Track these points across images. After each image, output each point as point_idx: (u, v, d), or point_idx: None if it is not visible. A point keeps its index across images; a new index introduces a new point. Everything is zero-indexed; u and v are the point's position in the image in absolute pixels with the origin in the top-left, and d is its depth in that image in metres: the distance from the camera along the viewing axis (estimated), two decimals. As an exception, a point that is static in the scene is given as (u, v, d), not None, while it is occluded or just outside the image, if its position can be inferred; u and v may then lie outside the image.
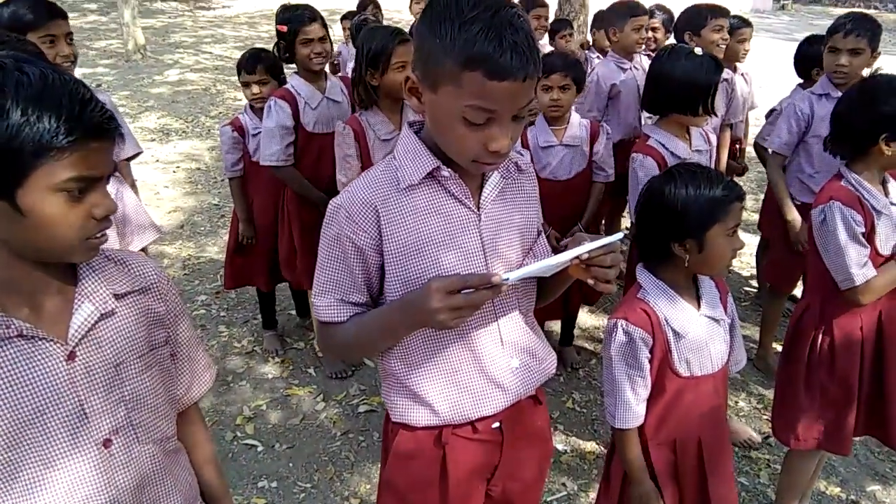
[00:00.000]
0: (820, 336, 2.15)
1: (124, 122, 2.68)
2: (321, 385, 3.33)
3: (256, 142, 3.16)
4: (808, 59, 3.58)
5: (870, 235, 2.02)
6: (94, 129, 0.96)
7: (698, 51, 2.52)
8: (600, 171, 3.15)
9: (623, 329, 1.70)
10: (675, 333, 1.70)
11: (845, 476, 2.79)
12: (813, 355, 2.17)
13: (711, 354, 1.74)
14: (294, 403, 3.20)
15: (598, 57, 4.58)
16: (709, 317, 1.75)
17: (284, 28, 2.95)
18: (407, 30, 2.93)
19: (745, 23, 4.07)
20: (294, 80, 3.06)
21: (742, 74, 4.18)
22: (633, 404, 1.72)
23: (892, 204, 2.05)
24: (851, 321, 2.11)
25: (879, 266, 2.02)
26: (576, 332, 3.63)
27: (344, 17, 5.66)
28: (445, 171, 1.28)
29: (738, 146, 4.14)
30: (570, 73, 2.93)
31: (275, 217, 3.30)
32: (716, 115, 2.66)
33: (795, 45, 3.84)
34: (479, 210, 1.33)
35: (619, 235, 1.24)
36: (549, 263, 1.19)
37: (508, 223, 1.38)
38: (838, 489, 2.72)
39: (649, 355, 1.70)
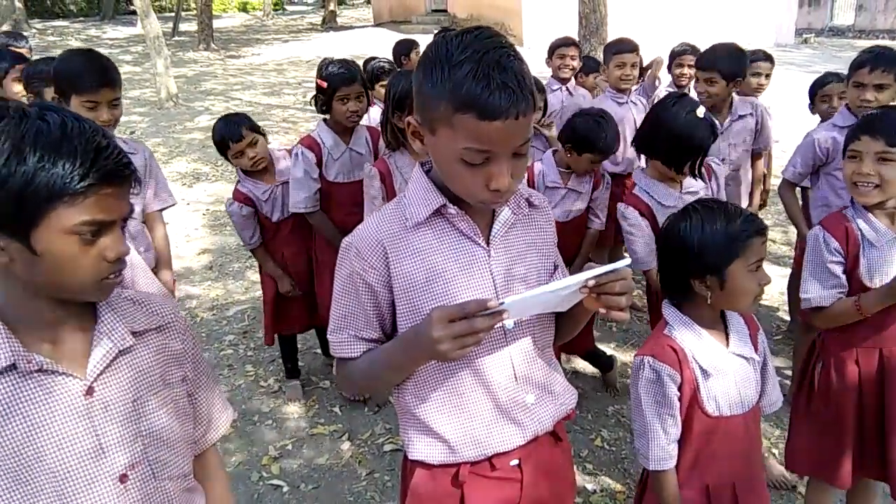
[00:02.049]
0: (818, 367, 2.15)
1: (161, 174, 2.74)
2: (346, 424, 3.32)
3: (270, 203, 3.22)
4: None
5: (853, 267, 2.00)
6: (109, 175, 1.00)
7: (701, 112, 2.44)
8: (595, 218, 3.23)
9: (650, 366, 1.67)
10: (703, 371, 1.67)
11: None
12: (813, 385, 2.17)
13: (741, 393, 1.70)
14: (319, 443, 3.19)
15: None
16: (738, 354, 1.71)
17: (325, 84, 3.02)
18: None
19: (766, 57, 4.07)
20: (321, 130, 3.14)
21: (765, 109, 4.18)
22: (666, 444, 1.68)
23: None
24: (847, 354, 2.09)
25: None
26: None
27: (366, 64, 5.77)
28: (452, 209, 1.29)
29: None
30: None
31: (307, 264, 3.36)
32: (700, 179, 2.61)
33: (816, 77, 3.84)
34: (489, 245, 1.33)
35: (627, 261, 1.23)
36: (550, 289, 1.18)
37: (521, 258, 1.37)
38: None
39: (678, 392, 1.67)
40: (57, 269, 1.00)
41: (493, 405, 1.36)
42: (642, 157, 2.82)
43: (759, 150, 3.74)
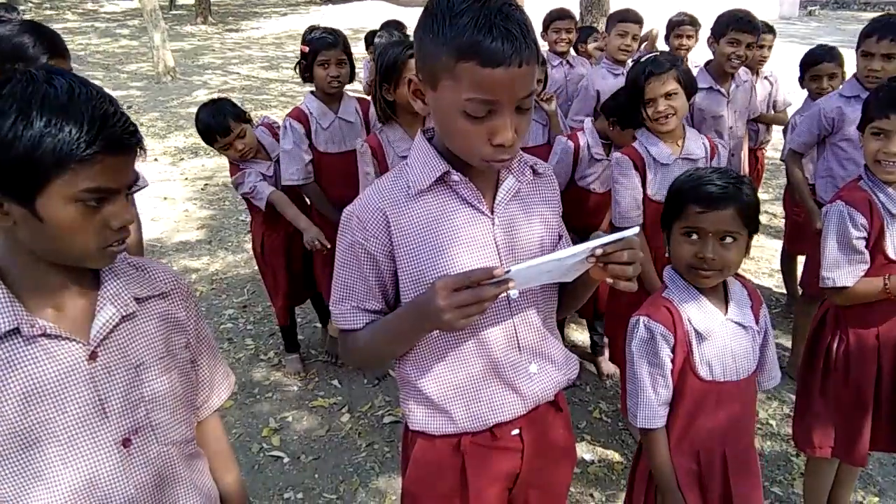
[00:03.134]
0: (836, 343, 2.12)
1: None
2: (346, 396, 3.33)
3: (274, 179, 3.18)
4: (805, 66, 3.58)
5: (878, 240, 1.98)
6: (115, 143, 0.99)
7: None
8: None
9: (644, 325, 1.67)
10: (698, 334, 1.66)
11: (883, 486, 2.70)
12: (829, 362, 2.14)
13: (736, 360, 1.69)
14: (319, 415, 3.21)
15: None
16: (736, 322, 1.70)
17: (306, 49, 3.00)
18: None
19: (768, 29, 4.02)
20: (308, 100, 3.11)
21: (766, 77, 4.15)
22: (655, 404, 1.68)
23: None
24: (867, 329, 2.07)
25: (892, 272, 1.98)
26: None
27: (367, 37, 5.72)
28: (455, 176, 1.27)
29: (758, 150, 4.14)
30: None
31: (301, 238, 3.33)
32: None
33: None
34: (492, 213, 1.32)
35: (635, 230, 1.21)
36: (556, 257, 1.16)
37: (525, 226, 1.36)
38: (876, 499, 2.64)
39: (671, 353, 1.66)
40: (61, 235, 1.00)
41: (494, 375, 1.36)
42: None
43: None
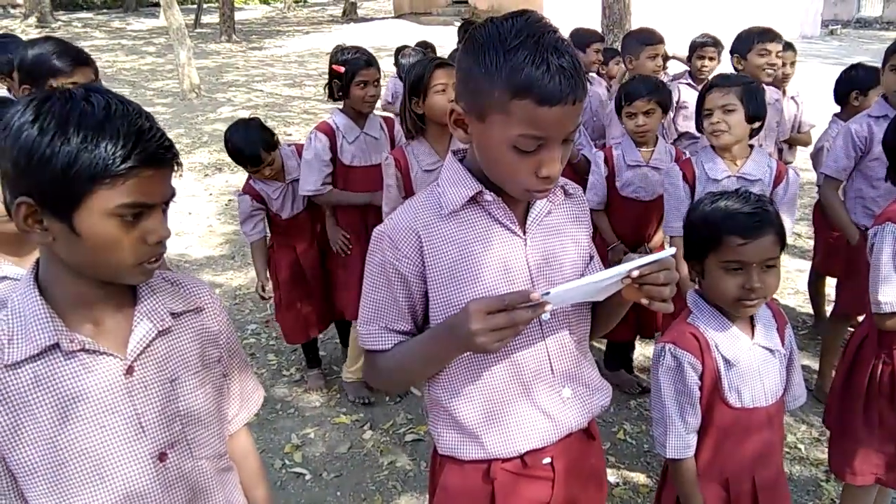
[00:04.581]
0: (880, 365, 2.06)
1: None
2: (368, 413, 3.33)
3: (280, 200, 3.23)
4: (848, 83, 3.52)
5: None
6: (150, 158, 1.00)
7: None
8: None
9: (671, 353, 1.65)
10: (726, 361, 1.64)
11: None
12: (872, 385, 2.08)
13: (765, 385, 1.66)
14: (341, 432, 3.21)
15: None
16: (763, 346, 1.68)
17: (341, 70, 3.03)
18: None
19: (788, 47, 4.00)
20: (336, 116, 3.15)
21: (792, 97, 4.12)
22: (684, 433, 1.65)
23: None
24: None
25: None
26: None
27: (397, 52, 5.77)
28: (489, 196, 1.27)
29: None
30: (654, 97, 2.96)
31: (318, 260, 3.37)
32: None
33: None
34: (524, 235, 1.31)
35: (672, 251, 1.20)
36: (594, 280, 1.16)
37: (557, 247, 1.35)
38: (910, 527, 2.57)
39: (699, 382, 1.64)
40: (98, 250, 1.01)
41: (527, 400, 1.33)
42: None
43: (779, 143, 3.71)
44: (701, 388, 1.65)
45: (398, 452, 3.04)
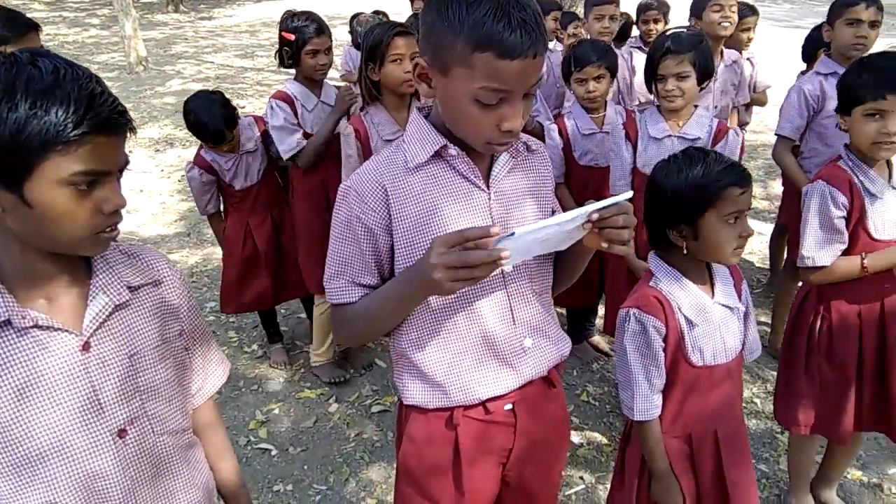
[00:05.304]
0: (819, 321, 2.15)
1: None
2: (333, 387, 3.31)
3: (233, 171, 3.15)
4: (816, 42, 3.56)
5: (860, 219, 2.00)
6: (104, 123, 0.96)
7: None
8: None
9: (635, 318, 1.67)
10: (688, 321, 1.67)
11: (866, 460, 2.75)
12: (812, 340, 2.17)
13: (725, 343, 1.70)
14: (307, 406, 3.19)
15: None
16: (723, 304, 1.71)
17: (292, 37, 2.94)
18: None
19: (751, 10, 4.04)
20: (290, 85, 3.08)
21: (748, 59, 4.16)
22: (650, 394, 1.68)
23: (893, 187, 2.00)
24: (849, 307, 2.09)
25: (873, 250, 2.00)
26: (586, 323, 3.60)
27: (352, 20, 5.63)
28: (453, 150, 1.29)
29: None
30: (604, 62, 2.94)
31: (272, 233, 3.31)
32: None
33: (797, 32, 3.81)
34: (488, 189, 1.33)
35: (629, 194, 1.23)
36: (554, 222, 1.17)
37: (520, 201, 1.37)
38: (859, 472, 2.68)
39: (663, 344, 1.67)
40: (51, 221, 0.97)
41: (488, 349, 1.36)
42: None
43: (737, 104, 3.73)
44: (665, 350, 1.68)
45: (365, 424, 3.04)
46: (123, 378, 1.10)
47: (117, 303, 1.10)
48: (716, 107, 3.53)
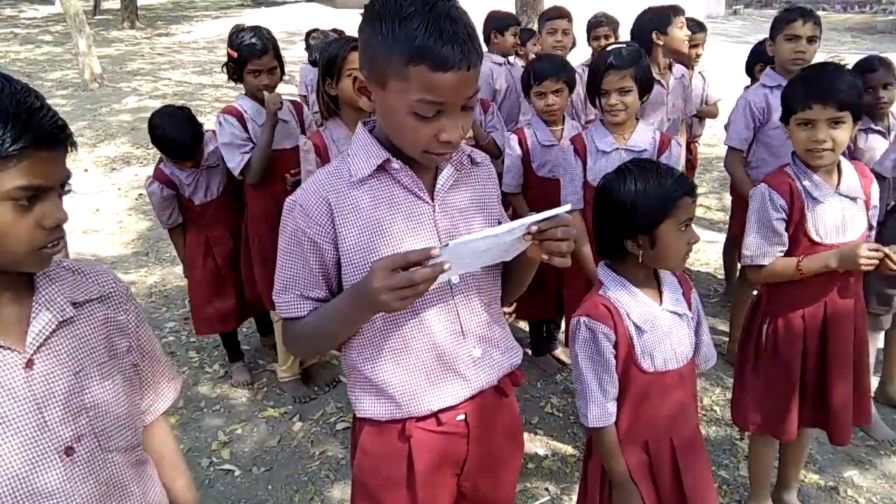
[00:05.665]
0: (766, 324, 2.23)
1: None
2: (296, 405, 3.28)
3: (193, 185, 3.14)
4: (756, 56, 3.69)
5: (800, 222, 2.08)
6: (44, 138, 0.95)
7: None
8: None
9: (586, 325, 1.70)
10: (637, 328, 1.70)
11: (822, 463, 2.82)
12: (760, 343, 2.24)
13: (675, 349, 1.74)
14: (270, 425, 3.15)
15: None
16: (671, 311, 1.75)
17: (235, 54, 2.95)
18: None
19: (700, 27, 4.16)
20: (241, 100, 3.07)
21: (699, 72, 4.28)
22: (604, 401, 1.71)
23: (840, 194, 2.08)
24: (794, 311, 2.17)
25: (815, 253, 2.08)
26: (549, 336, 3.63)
27: (307, 36, 5.62)
28: (395, 163, 1.30)
29: (692, 143, 4.28)
30: (562, 76, 3.01)
31: (232, 247, 3.29)
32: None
33: (748, 47, 3.93)
34: (433, 201, 1.34)
35: (567, 207, 1.26)
36: (492, 233, 1.19)
37: (465, 213, 1.39)
38: (816, 476, 2.75)
39: (613, 350, 1.70)
40: None
41: (438, 360, 1.37)
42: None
43: (685, 117, 3.83)
44: (616, 356, 1.71)
45: (329, 442, 3.01)
46: (69, 395, 1.08)
47: (61, 319, 1.08)
48: (669, 119, 3.62)
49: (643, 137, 2.64)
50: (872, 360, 3.05)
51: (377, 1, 1.18)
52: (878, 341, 3.06)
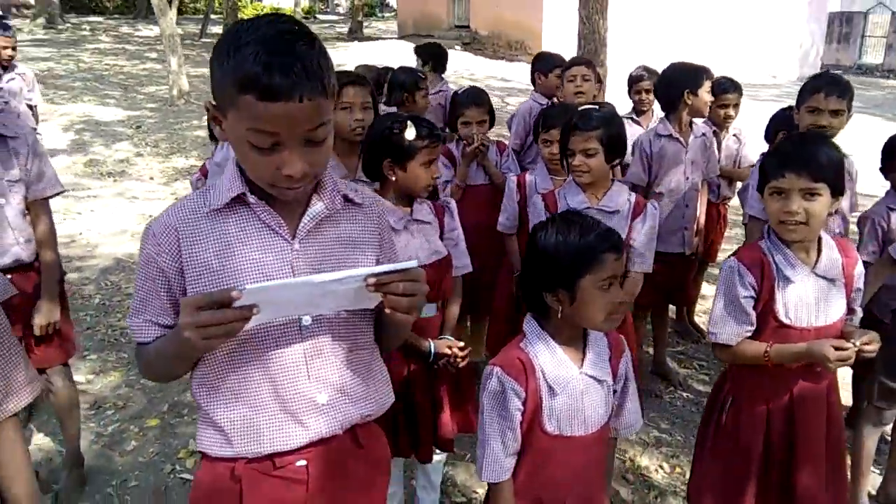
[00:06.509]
0: (728, 404, 2.08)
1: (47, 161, 2.57)
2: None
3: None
4: (782, 122, 3.47)
5: (768, 302, 1.93)
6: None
7: None
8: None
9: (497, 377, 1.63)
10: (550, 388, 1.62)
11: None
12: (720, 424, 2.09)
13: (586, 415, 1.65)
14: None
15: None
16: (589, 375, 1.66)
17: None
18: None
19: (734, 86, 4.00)
20: None
21: (734, 134, 4.13)
22: (501, 457, 1.64)
23: (816, 274, 1.93)
24: (757, 394, 2.02)
25: (785, 336, 1.93)
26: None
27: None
28: (251, 198, 1.27)
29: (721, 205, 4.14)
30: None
31: None
32: None
33: None
34: (293, 239, 1.30)
35: (414, 263, 1.20)
36: (314, 280, 1.14)
37: (333, 254, 1.34)
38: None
39: (521, 408, 1.62)
40: None
41: (277, 402, 1.33)
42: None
43: (707, 177, 3.67)
44: (523, 413, 1.63)
45: None
46: None
47: None
48: (688, 178, 3.50)
49: (617, 199, 2.54)
50: (872, 455, 2.81)
51: (227, 31, 1.17)
52: (876, 438, 2.80)
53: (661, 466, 3.17)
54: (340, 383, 1.38)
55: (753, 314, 1.95)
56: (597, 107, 2.55)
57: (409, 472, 2.78)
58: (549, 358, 1.64)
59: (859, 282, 2.02)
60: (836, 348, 1.79)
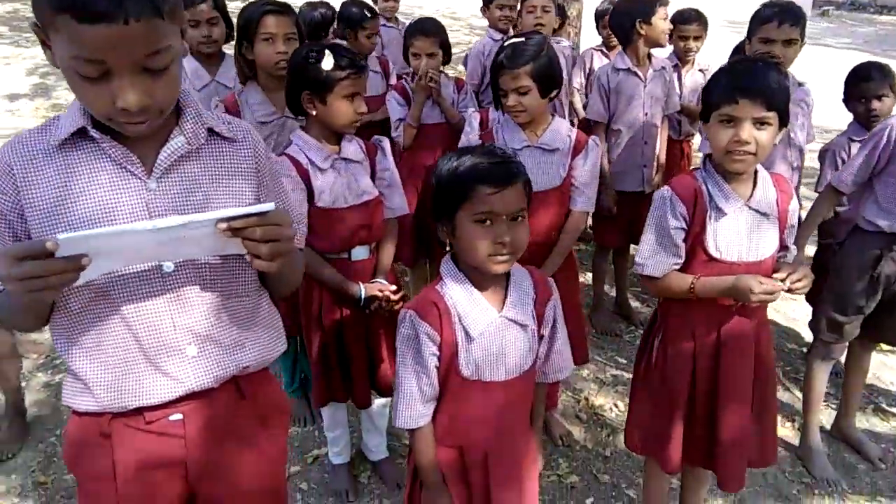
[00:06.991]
0: (657, 341, 2.02)
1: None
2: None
3: None
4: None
5: (699, 234, 1.86)
6: None
7: None
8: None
9: (410, 321, 1.56)
10: (467, 333, 1.55)
11: (745, 495, 2.59)
12: (650, 361, 2.05)
13: (507, 361, 1.58)
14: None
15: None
16: (510, 319, 1.58)
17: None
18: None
19: (696, 17, 3.84)
20: (186, 60, 2.98)
21: (701, 69, 3.99)
22: (417, 403, 1.58)
23: (750, 208, 1.85)
24: (685, 331, 1.96)
25: (715, 270, 1.86)
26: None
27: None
28: (94, 133, 1.15)
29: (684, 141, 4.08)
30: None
31: None
32: None
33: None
34: (149, 177, 1.19)
35: (271, 206, 1.09)
36: (162, 224, 1.02)
37: (199, 195, 1.23)
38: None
39: (437, 352, 1.56)
40: None
41: (142, 354, 1.24)
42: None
43: (666, 111, 3.55)
44: (439, 358, 1.57)
45: (298, 466, 2.75)
46: None
47: None
48: (646, 114, 3.39)
49: (557, 135, 2.41)
50: (822, 390, 2.80)
51: None
52: (826, 373, 2.78)
53: (615, 405, 3.16)
54: (211, 333, 1.29)
55: (683, 246, 1.88)
56: (523, 39, 2.34)
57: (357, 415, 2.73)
58: (465, 300, 1.56)
59: (793, 218, 1.94)
60: (762, 283, 1.73)
